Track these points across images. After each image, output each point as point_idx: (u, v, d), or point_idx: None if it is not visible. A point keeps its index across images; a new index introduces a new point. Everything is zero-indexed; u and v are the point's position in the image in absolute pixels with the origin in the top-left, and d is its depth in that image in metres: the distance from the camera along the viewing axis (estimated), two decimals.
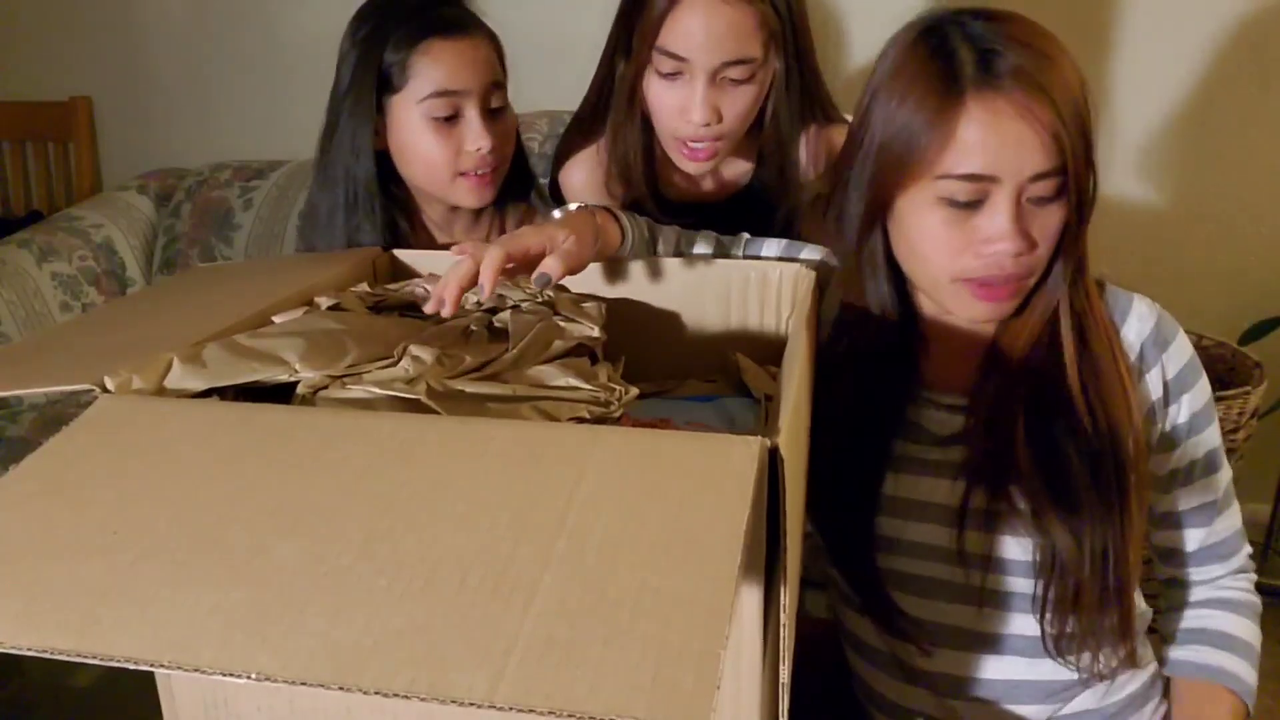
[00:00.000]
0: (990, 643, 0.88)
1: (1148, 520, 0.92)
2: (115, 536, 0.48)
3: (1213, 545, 0.93)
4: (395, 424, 0.59)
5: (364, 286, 0.90)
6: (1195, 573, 0.94)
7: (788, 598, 0.55)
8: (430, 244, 1.14)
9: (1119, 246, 1.93)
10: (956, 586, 0.87)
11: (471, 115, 1.05)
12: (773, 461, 0.52)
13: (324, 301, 0.83)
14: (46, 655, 0.41)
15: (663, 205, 1.20)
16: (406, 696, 0.38)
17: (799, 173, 1.18)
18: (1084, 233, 0.82)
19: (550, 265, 0.77)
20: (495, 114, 1.07)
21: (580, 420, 0.68)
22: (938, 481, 0.87)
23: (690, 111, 1.06)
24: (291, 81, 2.15)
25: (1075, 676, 0.87)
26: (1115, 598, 0.84)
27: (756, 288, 0.93)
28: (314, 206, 1.12)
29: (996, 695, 0.89)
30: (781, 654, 0.55)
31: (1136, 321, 0.88)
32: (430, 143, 1.05)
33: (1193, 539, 0.92)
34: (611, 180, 1.18)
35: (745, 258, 0.96)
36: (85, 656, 0.41)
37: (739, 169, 1.22)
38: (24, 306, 1.85)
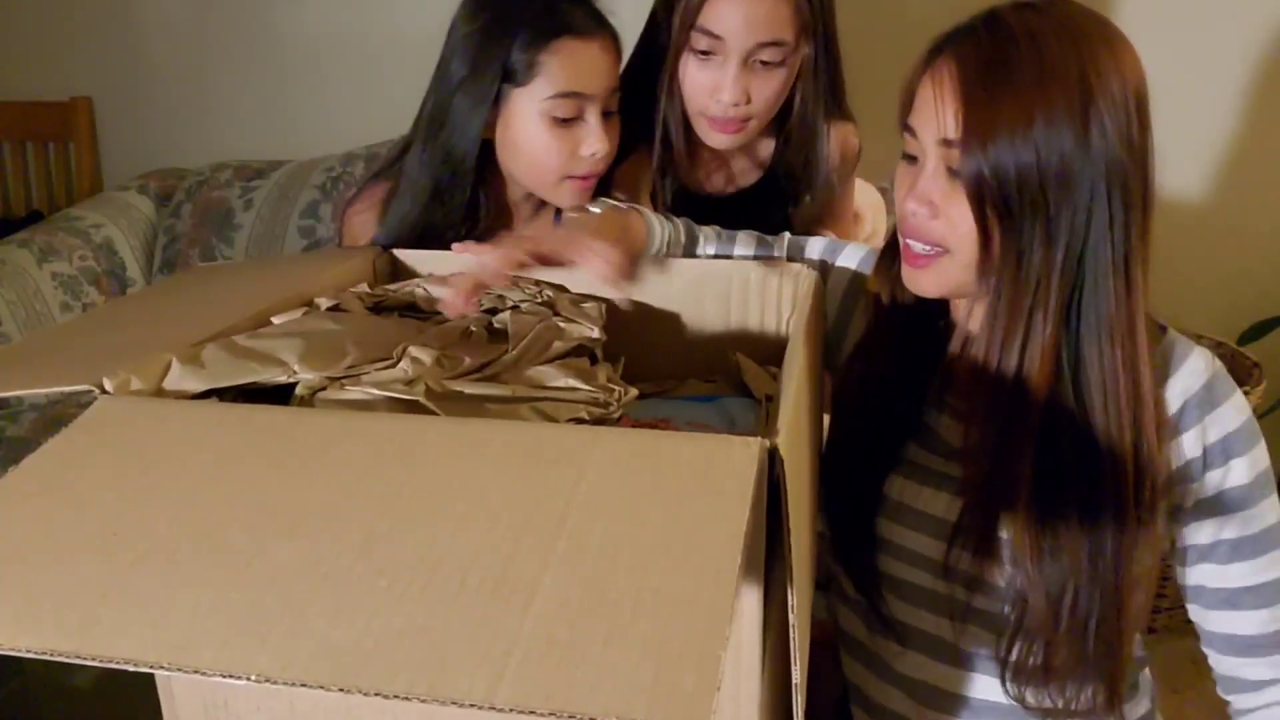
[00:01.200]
0: (966, 659, 0.86)
1: (1200, 603, 0.85)
2: (115, 537, 0.48)
3: (1277, 632, 0.83)
4: (395, 425, 0.59)
5: (364, 287, 0.90)
6: (1262, 665, 0.84)
7: (796, 598, 0.54)
8: (506, 227, 1.14)
9: None
10: (940, 597, 0.85)
11: (592, 119, 1.04)
12: (772, 462, 0.52)
13: (324, 302, 0.83)
14: (46, 656, 0.41)
15: (689, 197, 1.22)
16: (406, 698, 0.38)
17: (824, 162, 1.20)
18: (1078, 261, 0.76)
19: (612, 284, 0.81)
20: (609, 117, 1.07)
21: (579, 421, 0.68)
22: (938, 494, 0.85)
23: (721, 91, 1.08)
24: (292, 81, 2.15)
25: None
26: (1096, 669, 0.79)
27: (756, 288, 0.93)
28: (398, 186, 1.10)
29: (969, 712, 0.87)
30: (793, 655, 0.55)
31: (1186, 376, 0.81)
32: (546, 142, 1.04)
33: (1250, 622, 0.83)
34: (654, 171, 1.20)
35: (788, 259, 0.96)
36: (85, 657, 0.41)
37: (758, 157, 1.23)
38: (24, 306, 1.85)
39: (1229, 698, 0.88)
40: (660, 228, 0.93)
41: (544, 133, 1.03)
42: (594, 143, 1.04)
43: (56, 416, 1.71)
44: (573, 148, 1.04)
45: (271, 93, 2.18)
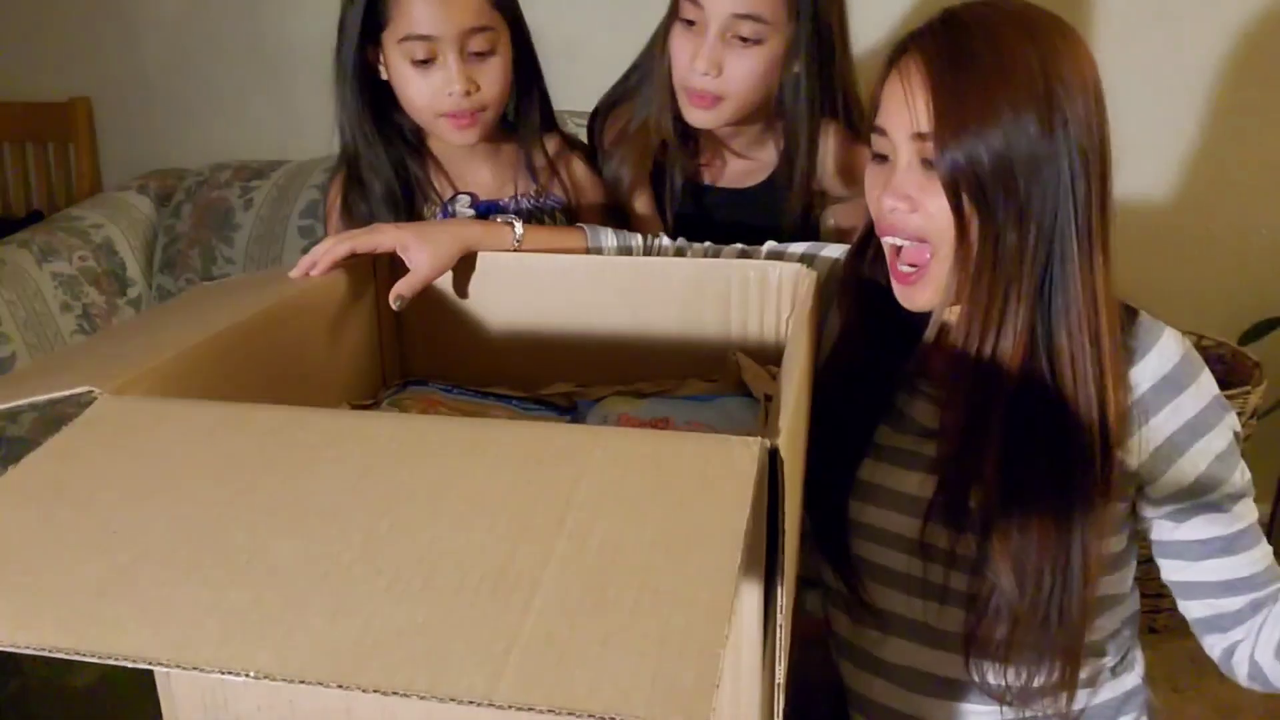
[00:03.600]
0: (946, 641, 0.87)
1: (1179, 559, 0.86)
2: (115, 536, 0.48)
3: (1249, 577, 0.84)
4: (395, 424, 0.59)
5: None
6: (1240, 600, 0.85)
7: (784, 598, 0.55)
8: (442, 184, 1.17)
9: (1118, 246, 1.93)
10: (916, 579, 0.86)
11: (447, 60, 1.06)
12: (773, 462, 0.52)
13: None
14: (46, 655, 0.41)
15: (701, 191, 1.23)
16: (405, 694, 0.38)
17: (816, 164, 1.20)
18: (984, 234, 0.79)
19: (402, 287, 0.92)
20: (479, 57, 1.08)
21: None
22: (910, 473, 0.87)
23: (697, 59, 1.10)
24: (291, 81, 2.15)
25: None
26: (1056, 648, 0.81)
27: (756, 288, 0.93)
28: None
29: (956, 694, 0.88)
30: (777, 654, 0.55)
31: (1157, 357, 0.83)
32: (409, 81, 1.07)
33: (1224, 568, 0.84)
34: (636, 137, 1.21)
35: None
36: (85, 656, 0.41)
37: (762, 158, 1.23)
38: (24, 306, 1.85)
39: (1210, 638, 0.88)
40: (610, 244, 0.97)
41: (407, 72, 1.07)
42: (449, 82, 1.06)
43: (56, 416, 1.70)
44: (435, 89, 1.07)
45: (271, 93, 2.18)
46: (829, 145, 1.20)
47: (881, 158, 0.83)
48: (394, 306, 0.92)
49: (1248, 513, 0.85)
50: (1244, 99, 1.80)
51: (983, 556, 0.81)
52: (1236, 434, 0.86)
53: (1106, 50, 1.80)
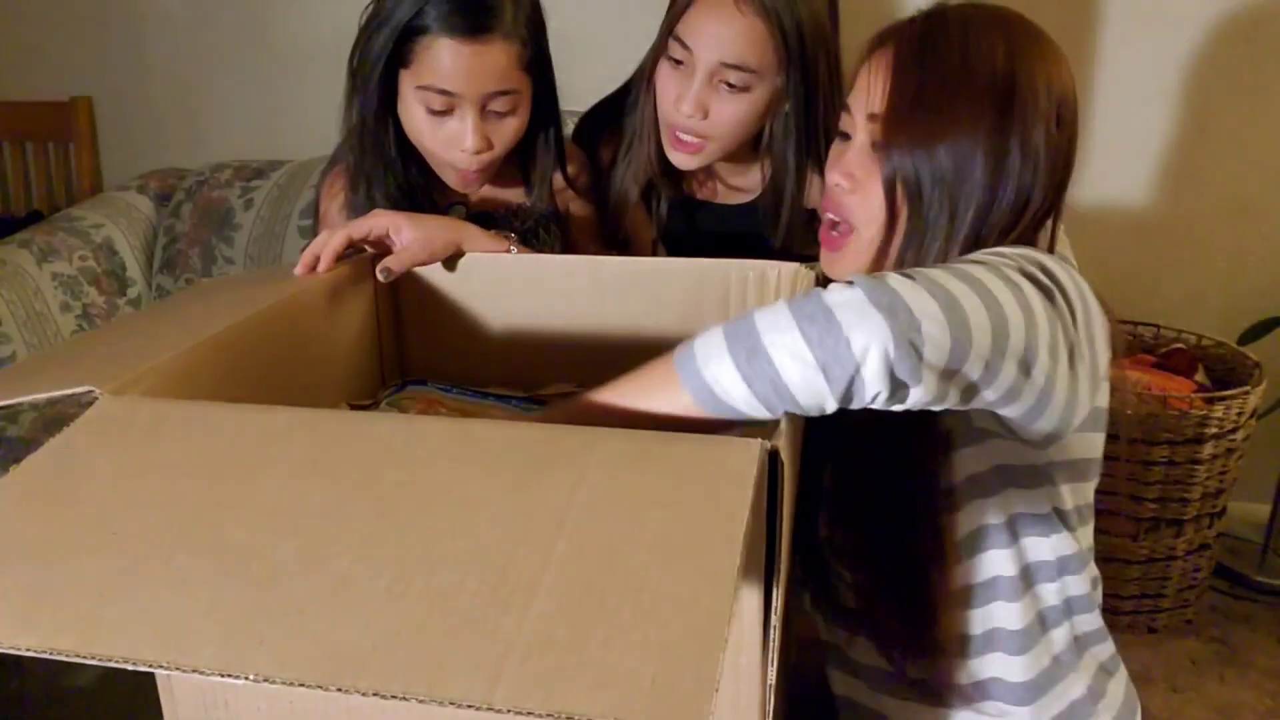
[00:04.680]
0: None
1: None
2: (114, 537, 0.48)
3: None
4: (395, 425, 0.59)
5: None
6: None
7: (779, 600, 0.55)
8: (439, 192, 1.16)
9: (1118, 246, 1.93)
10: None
11: (465, 116, 1.03)
12: (773, 464, 0.52)
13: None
14: (46, 655, 0.41)
15: (691, 207, 1.23)
16: (404, 698, 0.38)
17: (798, 207, 1.19)
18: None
19: (391, 261, 0.93)
20: (498, 116, 1.05)
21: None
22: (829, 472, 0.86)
23: (682, 101, 1.09)
24: (292, 81, 2.15)
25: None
26: (913, 626, 0.80)
27: (756, 288, 0.93)
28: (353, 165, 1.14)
29: (915, 692, 0.86)
30: (770, 655, 0.55)
31: None
32: (422, 126, 1.06)
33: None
34: (635, 155, 1.20)
35: None
36: (85, 656, 0.41)
37: (752, 178, 1.23)
38: (24, 306, 1.85)
39: None
40: None
41: (421, 117, 1.05)
42: (463, 139, 1.04)
43: (56, 416, 1.70)
44: (448, 138, 1.05)
45: (272, 93, 2.18)
46: (815, 189, 1.20)
47: (844, 135, 0.84)
48: (380, 278, 0.93)
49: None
50: (1244, 99, 1.80)
51: (848, 546, 0.82)
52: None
53: (1105, 53, 1.81)
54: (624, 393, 0.64)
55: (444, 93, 1.02)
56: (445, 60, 1.00)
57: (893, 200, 0.78)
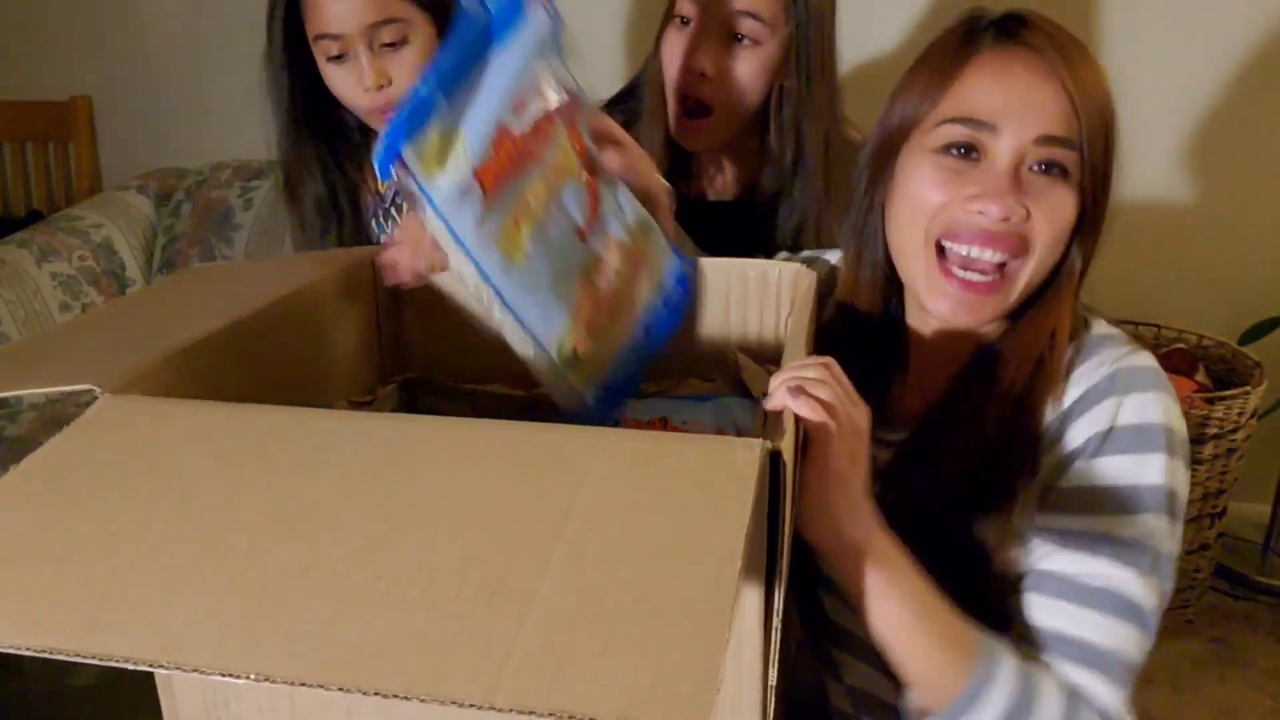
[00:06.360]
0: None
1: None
2: (114, 537, 0.48)
3: (1073, 638, 0.71)
4: (395, 426, 0.59)
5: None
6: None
7: (779, 602, 0.55)
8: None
9: (1118, 247, 1.93)
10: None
11: (358, 54, 1.06)
12: (774, 464, 0.52)
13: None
14: (46, 655, 0.41)
15: (698, 208, 1.22)
16: (405, 697, 0.38)
17: (815, 176, 1.18)
18: (1088, 249, 0.78)
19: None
20: (391, 48, 1.07)
21: None
22: None
23: (692, 56, 1.09)
24: None
25: None
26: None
27: (756, 287, 0.93)
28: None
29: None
30: (771, 657, 0.55)
31: (1094, 366, 0.76)
32: (333, 83, 1.08)
33: (1049, 613, 0.72)
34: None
35: None
36: (85, 656, 0.41)
37: (746, 179, 1.23)
38: (24, 306, 1.85)
39: None
40: None
41: (327, 69, 1.08)
42: (362, 78, 1.06)
43: (56, 416, 1.71)
44: (353, 83, 1.07)
45: None
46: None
47: (964, 151, 0.75)
48: (410, 282, 0.89)
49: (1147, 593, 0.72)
50: (1244, 100, 1.80)
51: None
52: (1173, 493, 0.73)
53: (1104, 52, 1.80)
54: (928, 619, 0.67)
55: (331, 36, 1.05)
56: (324, 3, 1.04)
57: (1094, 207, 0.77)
